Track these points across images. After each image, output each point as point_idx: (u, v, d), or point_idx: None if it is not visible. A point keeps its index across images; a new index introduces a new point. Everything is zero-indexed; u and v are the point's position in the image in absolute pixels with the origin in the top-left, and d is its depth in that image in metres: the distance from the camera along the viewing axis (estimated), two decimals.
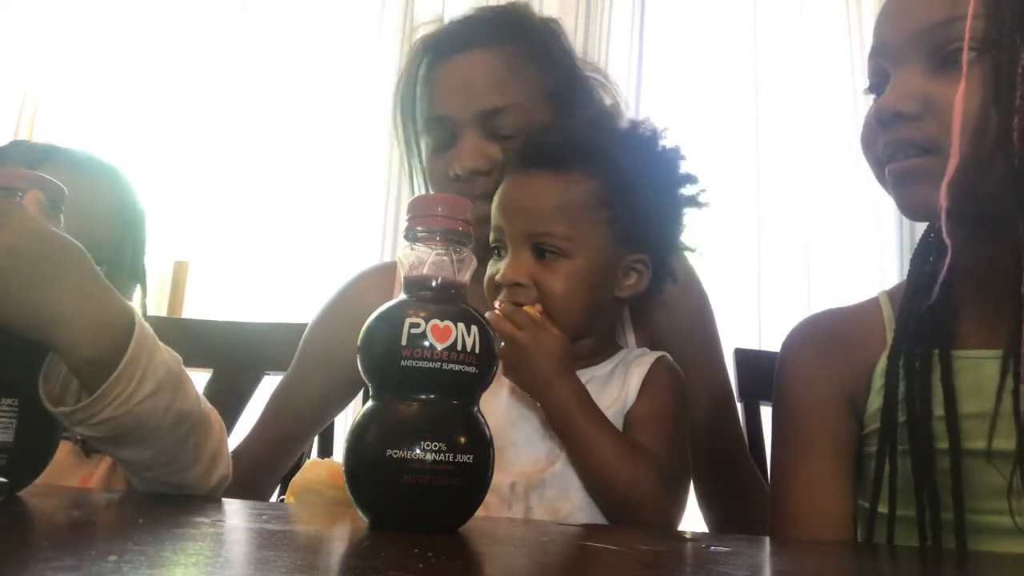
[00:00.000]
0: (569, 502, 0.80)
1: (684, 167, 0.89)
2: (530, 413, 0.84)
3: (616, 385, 0.85)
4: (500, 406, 0.84)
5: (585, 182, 0.85)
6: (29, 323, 0.58)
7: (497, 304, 0.83)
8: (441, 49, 1.02)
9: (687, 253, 0.95)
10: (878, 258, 2.09)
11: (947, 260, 0.67)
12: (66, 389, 0.62)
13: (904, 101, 0.70)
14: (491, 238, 0.87)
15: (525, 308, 0.81)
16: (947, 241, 0.66)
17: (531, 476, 0.81)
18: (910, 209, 0.73)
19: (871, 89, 0.77)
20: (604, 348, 0.89)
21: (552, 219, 0.83)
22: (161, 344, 0.65)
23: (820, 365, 0.83)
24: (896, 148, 0.71)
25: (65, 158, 0.90)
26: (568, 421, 0.78)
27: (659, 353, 0.88)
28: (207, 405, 0.71)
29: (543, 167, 0.86)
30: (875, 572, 0.58)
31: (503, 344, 0.78)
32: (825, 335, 0.85)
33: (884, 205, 2.09)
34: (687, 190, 0.90)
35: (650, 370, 0.85)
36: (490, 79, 0.98)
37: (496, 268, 0.86)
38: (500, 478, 0.78)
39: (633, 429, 0.81)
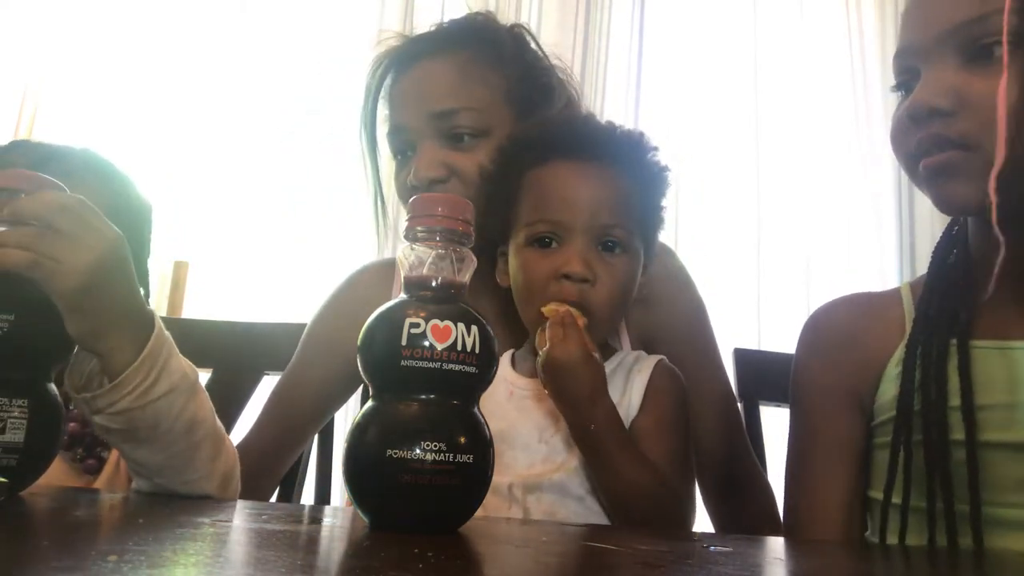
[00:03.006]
0: (566, 508, 0.79)
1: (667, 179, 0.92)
2: (526, 416, 0.84)
3: (617, 389, 0.83)
4: (497, 409, 0.83)
5: (628, 179, 0.86)
6: (90, 330, 0.60)
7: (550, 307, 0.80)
8: (401, 61, 1.03)
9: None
10: (878, 258, 2.09)
11: (1001, 254, 0.65)
12: (89, 383, 0.64)
13: (938, 97, 0.69)
14: (536, 229, 0.84)
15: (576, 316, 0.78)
16: (999, 236, 0.64)
17: (528, 479, 0.80)
18: (946, 203, 0.72)
19: (899, 87, 0.76)
20: (605, 349, 0.89)
21: (619, 211, 0.83)
22: (179, 353, 0.66)
23: (831, 363, 0.83)
24: (931, 144, 0.70)
25: (66, 161, 0.89)
26: (598, 445, 0.76)
27: (657, 357, 0.88)
28: (223, 429, 0.72)
29: (598, 160, 0.85)
30: (875, 572, 0.58)
31: (545, 350, 0.77)
32: (840, 330, 0.85)
33: (884, 205, 2.09)
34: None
35: (652, 377, 0.84)
36: (441, 84, 0.98)
37: (551, 260, 0.82)
38: (499, 479, 0.77)
39: (640, 440, 0.80)
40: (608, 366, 0.86)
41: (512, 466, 0.81)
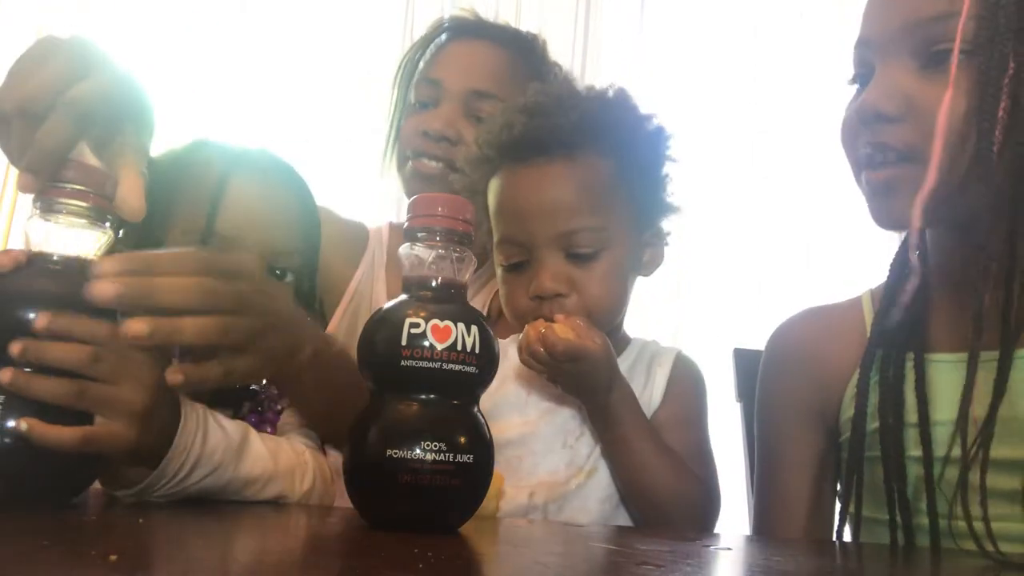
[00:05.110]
0: (588, 514, 0.78)
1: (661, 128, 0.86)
2: (549, 420, 0.81)
3: (638, 382, 0.82)
4: (516, 411, 0.81)
5: (602, 162, 0.79)
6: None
7: (531, 330, 0.75)
8: (460, 29, 1.14)
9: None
10: (878, 258, 2.09)
11: (912, 282, 0.66)
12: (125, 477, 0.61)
13: (886, 101, 0.67)
14: (504, 253, 0.81)
15: (558, 324, 0.74)
16: (913, 261, 0.65)
17: (552, 488, 0.78)
18: (883, 220, 0.71)
19: (855, 79, 0.74)
20: (620, 338, 0.86)
21: (581, 213, 0.77)
22: (220, 418, 0.64)
23: (792, 381, 0.84)
24: (875, 150, 0.69)
25: (257, 161, 0.84)
26: (618, 432, 0.76)
27: (675, 349, 0.87)
28: (292, 456, 0.69)
29: (554, 155, 0.78)
30: (876, 572, 0.58)
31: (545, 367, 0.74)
32: (800, 347, 0.85)
33: None
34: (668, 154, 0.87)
35: (672, 370, 0.83)
36: (491, 67, 1.09)
37: (524, 281, 0.79)
38: (516, 490, 0.76)
39: (664, 433, 0.79)
40: (628, 357, 0.84)
41: (534, 473, 0.78)
